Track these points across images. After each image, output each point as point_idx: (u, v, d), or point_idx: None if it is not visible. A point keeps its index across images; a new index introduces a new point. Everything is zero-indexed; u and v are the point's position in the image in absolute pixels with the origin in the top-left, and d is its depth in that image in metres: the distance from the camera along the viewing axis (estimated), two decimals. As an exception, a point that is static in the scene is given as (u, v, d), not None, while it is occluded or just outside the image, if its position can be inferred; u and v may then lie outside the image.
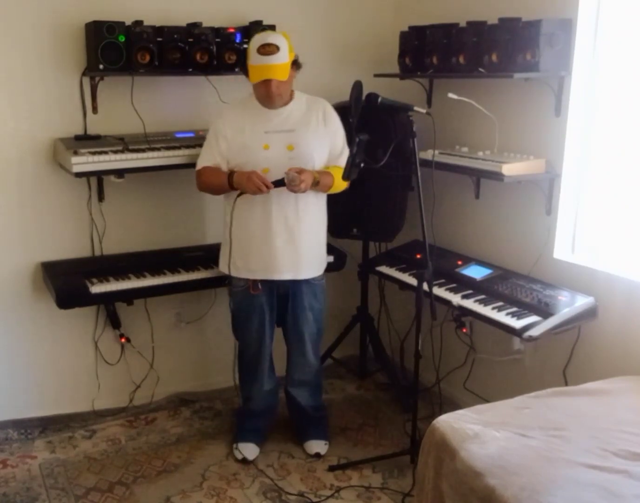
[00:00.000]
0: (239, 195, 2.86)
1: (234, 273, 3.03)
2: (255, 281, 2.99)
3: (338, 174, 2.91)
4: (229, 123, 2.94)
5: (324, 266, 3.13)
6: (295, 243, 2.96)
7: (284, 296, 3.06)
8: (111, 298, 3.21)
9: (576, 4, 2.81)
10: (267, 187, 2.77)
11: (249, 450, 3.17)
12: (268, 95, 2.85)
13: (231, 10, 3.41)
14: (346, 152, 2.92)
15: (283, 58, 2.79)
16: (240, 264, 3.00)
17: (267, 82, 2.81)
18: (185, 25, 3.20)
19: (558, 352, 3.01)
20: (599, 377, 2.58)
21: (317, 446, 3.22)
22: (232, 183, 2.86)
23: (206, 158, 2.97)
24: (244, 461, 3.12)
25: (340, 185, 2.97)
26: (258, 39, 2.82)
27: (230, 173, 2.88)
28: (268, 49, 2.77)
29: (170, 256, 3.41)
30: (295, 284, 3.04)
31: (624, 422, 2.23)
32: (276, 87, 2.82)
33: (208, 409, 3.62)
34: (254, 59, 2.80)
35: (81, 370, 3.49)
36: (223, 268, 3.07)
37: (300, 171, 2.77)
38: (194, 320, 3.66)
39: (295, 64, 2.91)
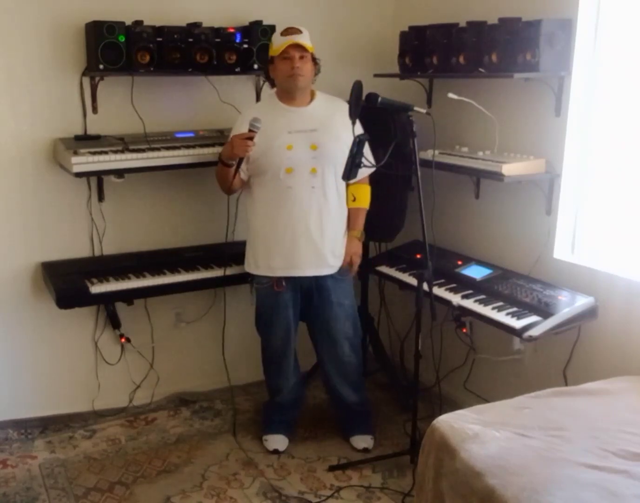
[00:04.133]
0: (236, 170, 2.89)
1: (256, 272, 3.05)
2: (279, 279, 3.01)
3: (363, 195, 3.09)
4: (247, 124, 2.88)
5: (341, 260, 3.11)
6: (317, 240, 2.97)
7: (308, 291, 3.08)
8: (111, 298, 3.21)
9: (576, 4, 2.81)
10: (251, 139, 2.80)
11: (279, 441, 3.20)
12: (291, 73, 2.83)
13: (231, 10, 3.41)
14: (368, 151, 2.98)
15: (306, 39, 2.86)
16: (262, 262, 3.02)
17: (291, 60, 2.82)
18: (185, 25, 3.20)
19: (558, 352, 3.00)
20: (599, 377, 2.58)
21: (364, 441, 3.23)
22: (222, 159, 2.90)
23: None
24: (276, 452, 3.16)
25: (368, 201, 3.13)
26: (280, 30, 2.90)
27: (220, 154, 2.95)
28: (291, 30, 2.86)
29: (170, 256, 3.41)
30: (319, 280, 3.05)
31: (624, 422, 2.23)
32: (299, 60, 2.83)
33: (208, 409, 3.62)
34: (277, 41, 2.87)
35: (81, 370, 3.49)
36: (246, 266, 3.10)
37: (350, 260, 3.05)
38: (194, 320, 3.66)
39: (315, 62, 2.94)
